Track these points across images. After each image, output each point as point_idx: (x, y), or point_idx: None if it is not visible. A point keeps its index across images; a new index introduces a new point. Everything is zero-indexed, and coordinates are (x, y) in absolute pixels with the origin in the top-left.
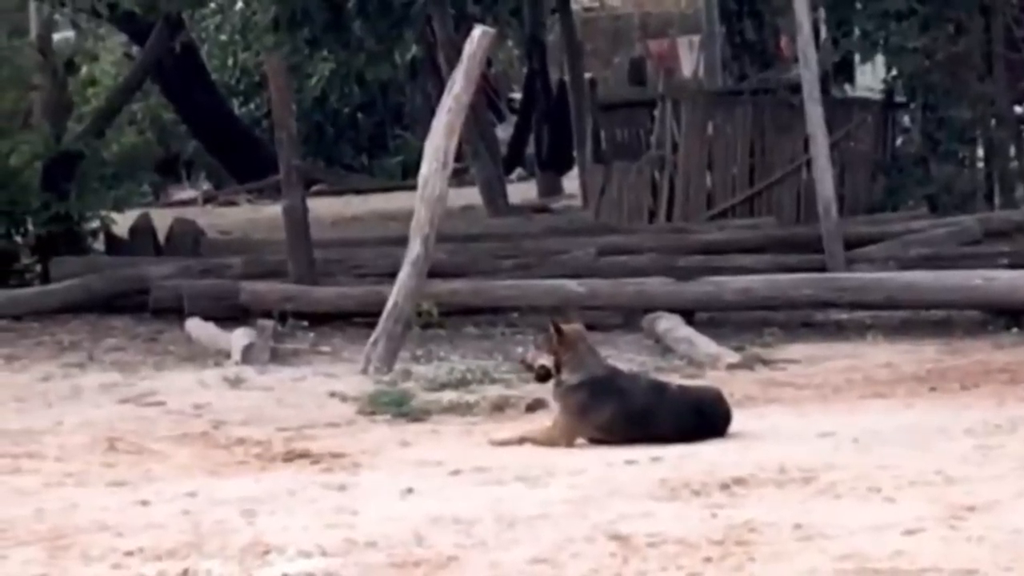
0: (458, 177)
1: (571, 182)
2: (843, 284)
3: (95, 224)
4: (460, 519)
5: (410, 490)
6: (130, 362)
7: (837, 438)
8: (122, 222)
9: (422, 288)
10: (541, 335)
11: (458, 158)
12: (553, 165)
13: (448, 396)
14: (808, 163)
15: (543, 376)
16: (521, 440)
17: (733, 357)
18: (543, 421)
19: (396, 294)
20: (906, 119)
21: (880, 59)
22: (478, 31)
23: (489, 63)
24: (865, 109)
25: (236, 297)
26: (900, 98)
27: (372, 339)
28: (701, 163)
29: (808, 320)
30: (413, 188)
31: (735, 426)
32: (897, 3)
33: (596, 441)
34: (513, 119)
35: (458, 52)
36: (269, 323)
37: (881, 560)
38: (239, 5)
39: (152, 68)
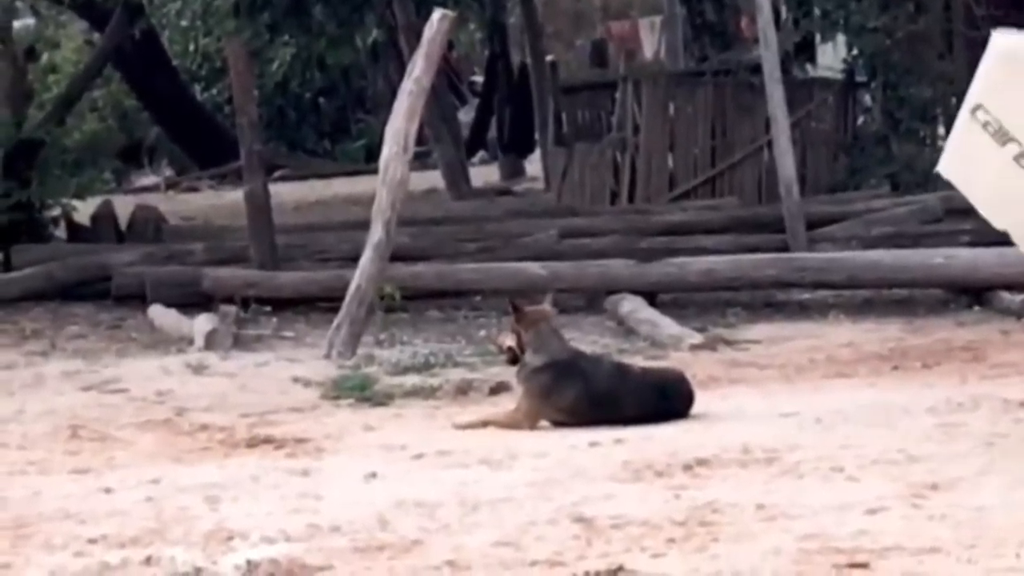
0: (420, 160)
1: (533, 165)
2: (805, 264)
3: (56, 212)
4: (424, 503)
5: (374, 475)
6: (92, 349)
7: (800, 418)
8: (84, 209)
9: (385, 272)
10: (509, 315)
11: (420, 141)
12: (515, 148)
13: (411, 380)
14: (769, 143)
15: (513, 358)
16: (484, 423)
17: (696, 338)
18: (506, 404)
19: (359, 278)
20: (867, 98)
21: (841, 39)
22: (438, 14)
23: (451, 46)
24: (826, 89)
25: (199, 283)
26: (861, 77)
27: (335, 324)
28: (663, 144)
29: (771, 300)
30: (376, 172)
31: (698, 407)
32: None
33: (559, 424)
34: (475, 102)
35: (419, 36)
36: (232, 309)
37: (844, 539)
38: None
39: (113, 55)
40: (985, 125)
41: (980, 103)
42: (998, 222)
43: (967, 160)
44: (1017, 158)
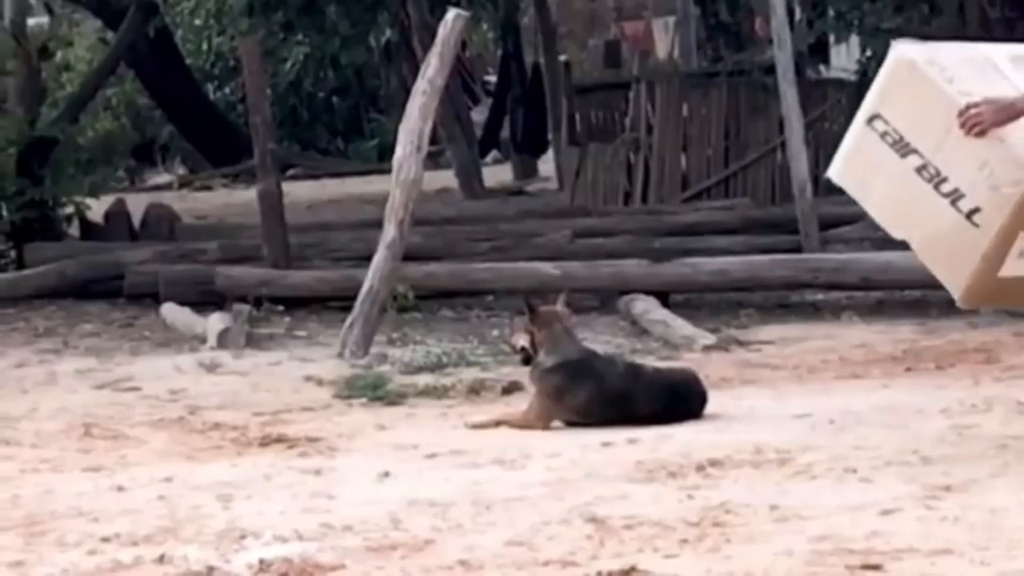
0: (433, 160)
1: (546, 164)
2: (818, 265)
3: (70, 210)
4: (436, 502)
5: (386, 474)
6: (105, 348)
7: (813, 419)
8: (97, 207)
9: (398, 271)
10: (522, 315)
11: (433, 141)
12: (528, 148)
13: (424, 379)
14: (783, 144)
15: (526, 358)
16: (497, 423)
17: (709, 339)
18: (519, 404)
19: (372, 278)
20: None
21: (855, 40)
22: (452, 14)
23: (464, 46)
24: (840, 90)
25: (212, 282)
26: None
27: (348, 323)
28: (676, 145)
29: (784, 301)
30: (389, 171)
31: (711, 408)
32: None
33: (572, 424)
34: (488, 102)
35: (433, 35)
36: (245, 307)
37: (857, 541)
38: None
39: (126, 53)
40: (884, 135)
41: (878, 113)
42: (897, 232)
43: (863, 169)
44: (919, 170)
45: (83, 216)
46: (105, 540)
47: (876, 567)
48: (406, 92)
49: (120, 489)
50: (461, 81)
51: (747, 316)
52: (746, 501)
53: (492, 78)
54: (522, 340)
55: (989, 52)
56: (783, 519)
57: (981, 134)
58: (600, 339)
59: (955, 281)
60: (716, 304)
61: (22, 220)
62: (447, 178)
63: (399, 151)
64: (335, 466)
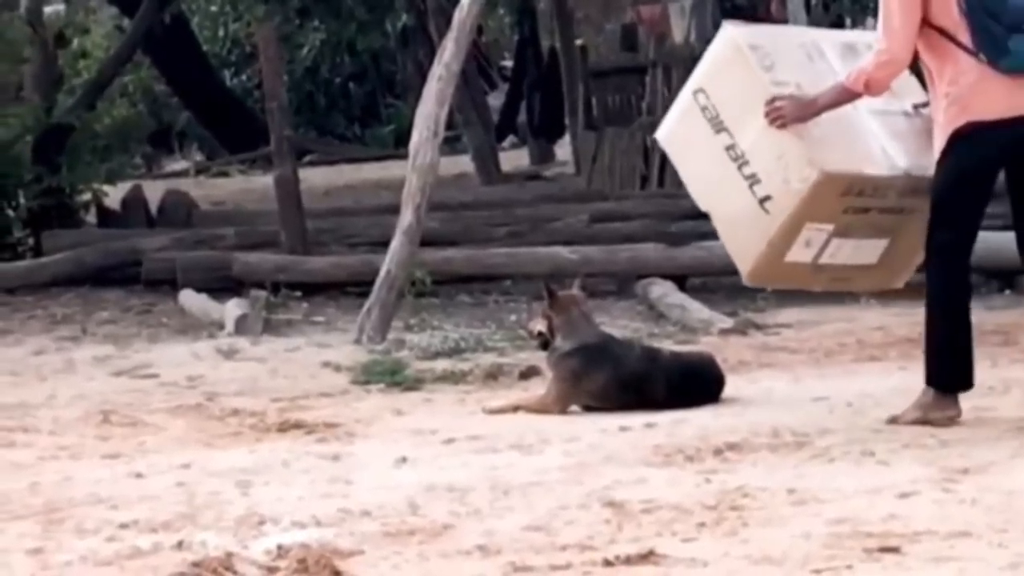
0: (450, 145)
1: (563, 149)
2: None
3: (87, 197)
4: (454, 487)
5: (404, 459)
6: (123, 335)
7: (831, 402)
8: (114, 194)
9: (415, 257)
10: (538, 300)
11: (450, 126)
12: (545, 132)
13: (442, 365)
14: None
15: (544, 343)
16: (515, 408)
17: (726, 322)
18: (537, 389)
19: (389, 263)
20: None
21: (871, 22)
22: None
23: (480, 31)
24: None
25: (229, 268)
26: None
27: (365, 308)
28: None
29: None
30: (406, 157)
31: (729, 391)
32: None
33: (590, 408)
34: (505, 87)
35: (449, 20)
36: (262, 294)
37: (875, 524)
38: None
39: (143, 40)
40: (704, 109)
41: (702, 87)
42: (703, 204)
43: (683, 138)
44: (727, 148)
45: (100, 203)
46: (123, 527)
47: (894, 550)
48: (422, 77)
49: (138, 476)
50: (477, 66)
51: (764, 299)
52: (764, 484)
53: (508, 63)
54: (539, 325)
55: (820, 39)
56: (801, 502)
57: (783, 127)
58: (617, 323)
59: (743, 260)
60: (733, 288)
61: (39, 207)
62: (464, 163)
63: (415, 136)
64: (353, 452)
